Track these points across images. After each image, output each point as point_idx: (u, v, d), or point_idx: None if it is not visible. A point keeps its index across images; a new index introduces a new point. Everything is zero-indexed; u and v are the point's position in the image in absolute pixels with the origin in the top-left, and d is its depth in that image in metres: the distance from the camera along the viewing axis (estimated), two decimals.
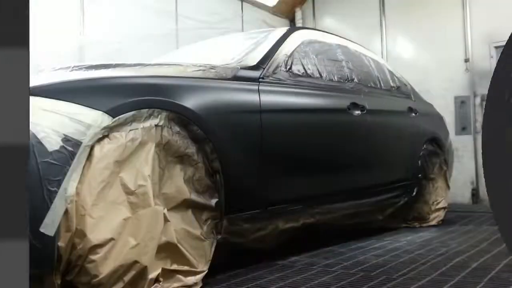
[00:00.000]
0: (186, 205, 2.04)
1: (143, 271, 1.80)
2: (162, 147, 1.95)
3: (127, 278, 1.75)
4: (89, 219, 1.66)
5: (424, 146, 4.05)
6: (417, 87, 4.63)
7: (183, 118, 2.05)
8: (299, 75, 2.88)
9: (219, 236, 2.18)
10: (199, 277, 2.03)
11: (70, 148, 1.64)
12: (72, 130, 1.66)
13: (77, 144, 1.66)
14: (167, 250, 1.94)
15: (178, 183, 2.02)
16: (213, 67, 2.41)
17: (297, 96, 2.79)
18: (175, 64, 2.37)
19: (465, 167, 5.93)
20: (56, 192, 1.58)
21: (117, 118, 1.79)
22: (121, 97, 1.87)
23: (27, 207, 0.91)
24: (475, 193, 5.84)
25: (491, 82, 1.16)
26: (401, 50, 6.51)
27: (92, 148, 1.71)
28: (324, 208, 2.90)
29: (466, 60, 5.98)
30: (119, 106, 1.82)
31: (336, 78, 3.22)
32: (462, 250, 2.86)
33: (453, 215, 4.51)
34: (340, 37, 3.77)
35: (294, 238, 2.78)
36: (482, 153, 1.17)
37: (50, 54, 3.93)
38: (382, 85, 3.79)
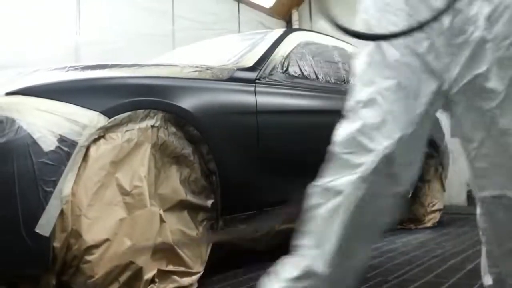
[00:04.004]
0: (182, 206, 2.04)
1: (139, 271, 1.80)
2: (158, 148, 1.95)
3: (122, 278, 1.75)
4: (85, 220, 1.65)
5: None
6: None
7: (179, 119, 2.05)
8: (295, 77, 2.88)
9: None
10: (194, 278, 2.03)
11: (65, 149, 1.63)
12: (68, 131, 1.66)
13: (72, 144, 1.65)
14: (163, 250, 1.93)
15: (174, 183, 2.02)
16: (209, 68, 2.41)
17: (293, 98, 2.80)
18: (172, 65, 2.37)
19: (460, 168, 5.94)
20: (51, 192, 1.58)
21: (113, 118, 1.78)
22: (117, 97, 1.86)
23: None
24: (470, 195, 5.86)
25: None
26: None
27: (88, 148, 1.70)
28: None
29: None
30: (115, 107, 1.82)
31: (332, 79, 3.22)
32: (457, 251, 2.87)
33: (449, 217, 4.52)
34: (337, 38, 3.78)
35: (290, 239, 2.78)
36: None
37: (46, 54, 3.91)
38: None
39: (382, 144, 1.19)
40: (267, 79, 2.66)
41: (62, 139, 1.64)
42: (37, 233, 1.55)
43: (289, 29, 3.42)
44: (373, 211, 1.24)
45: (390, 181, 1.22)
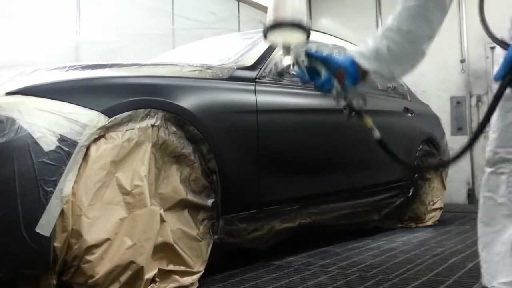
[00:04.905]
0: (182, 205, 2.04)
1: (139, 271, 1.80)
2: (158, 147, 1.95)
3: (123, 278, 1.75)
4: (85, 220, 1.65)
5: (420, 146, 4.06)
6: (413, 87, 4.64)
7: (179, 118, 2.05)
8: (295, 75, 2.87)
9: (216, 236, 2.18)
10: (195, 277, 2.03)
11: (66, 148, 1.63)
12: (68, 130, 1.66)
13: (73, 144, 1.65)
14: (164, 250, 1.93)
15: (175, 183, 2.02)
16: (209, 67, 2.41)
17: (293, 96, 2.79)
18: (172, 64, 2.37)
19: (461, 167, 5.94)
20: (52, 192, 1.58)
21: (113, 118, 1.78)
22: (118, 97, 1.86)
23: None
24: (471, 193, 5.85)
25: None
26: None
27: (88, 148, 1.70)
28: (321, 208, 2.90)
29: (462, 61, 5.99)
30: (116, 106, 1.82)
31: None
32: (458, 250, 2.87)
33: (449, 215, 4.52)
34: (337, 37, 3.77)
35: (290, 238, 2.79)
36: None
37: (46, 53, 3.91)
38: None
39: None
40: (267, 78, 2.66)
41: (62, 139, 1.63)
42: (38, 233, 1.55)
43: None
44: None
45: None
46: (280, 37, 1.42)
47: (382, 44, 1.39)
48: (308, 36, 1.42)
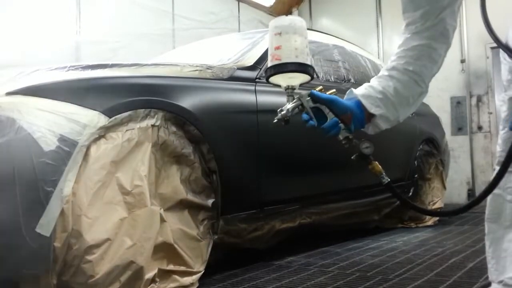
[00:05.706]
0: (182, 205, 2.04)
1: (139, 271, 1.80)
2: (158, 147, 1.95)
3: (123, 278, 1.75)
4: (85, 219, 1.65)
5: (421, 146, 4.06)
6: None
7: (179, 118, 2.05)
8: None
9: (216, 236, 2.18)
10: (195, 277, 2.03)
11: (66, 148, 1.63)
12: (68, 130, 1.66)
13: (73, 144, 1.65)
14: (164, 250, 1.93)
15: (175, 183, 2.02)
16: (209, 67, 2.41)
17: None
18: (172, 64, 2.37)
19: (461, 167, 5.94)
20: (52, 192, 1.57)
21: (113, 118, 1.78)
22: (118, 97, 1.86)
23: None
24: (471, 193, 5.86)
25: None
26: None
27: (88, 148, 1.70)
28: (321, 208, 2.90)
29: (462, 61, 6.00)
30: (116, 106, 1.82)
31: (332, 78, 3.22)
32: (458, 250, 2.87)
33: None
34: (337, 37, 3.77)
35: (290, 238, 2.79)
36: None
37: (46, 53, 3.91)
38: None
39: None
40: None
41: (62, 139, 1.63)
42: (38, 233, 1.55)
43: None
44: None
45: None
46: (283, 80, 1.38)
47: (389, 85, 1.37)
48: (312, 77, 1.38)
